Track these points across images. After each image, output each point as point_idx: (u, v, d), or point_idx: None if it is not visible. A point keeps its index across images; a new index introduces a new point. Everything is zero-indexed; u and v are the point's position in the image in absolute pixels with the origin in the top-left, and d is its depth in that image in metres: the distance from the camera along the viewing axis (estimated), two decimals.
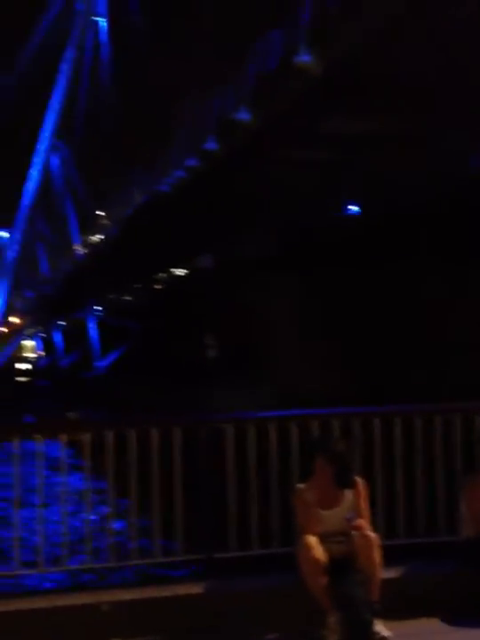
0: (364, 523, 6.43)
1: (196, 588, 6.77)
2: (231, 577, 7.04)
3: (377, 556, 6.35)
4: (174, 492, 7.12)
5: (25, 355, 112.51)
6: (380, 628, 6.23)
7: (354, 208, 48.58)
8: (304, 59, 31.82)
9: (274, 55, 34.91)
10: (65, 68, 78.04)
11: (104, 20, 77.10)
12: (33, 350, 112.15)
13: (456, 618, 6.66)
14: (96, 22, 77.29)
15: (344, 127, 34.54)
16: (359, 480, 6.61)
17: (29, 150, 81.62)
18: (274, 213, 47.29)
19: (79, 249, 79.09)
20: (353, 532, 6.40)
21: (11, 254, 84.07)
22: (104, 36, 76.52)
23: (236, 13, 44.48)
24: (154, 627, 6.52)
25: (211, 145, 42.64)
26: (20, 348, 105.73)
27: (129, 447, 7.09)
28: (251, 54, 37.46)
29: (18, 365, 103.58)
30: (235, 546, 7.17)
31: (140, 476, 7.11)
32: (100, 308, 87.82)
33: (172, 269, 75.85)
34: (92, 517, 7.18)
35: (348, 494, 6.54)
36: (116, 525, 7.28)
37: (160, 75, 61.26)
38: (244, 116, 37.96)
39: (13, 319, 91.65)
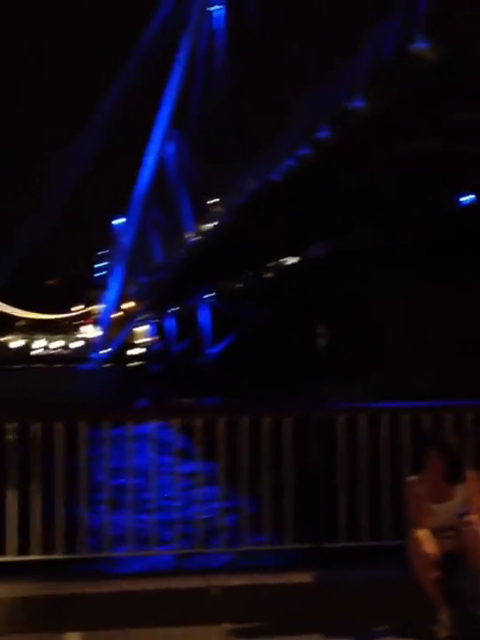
0: (475, 518, 6.30)
1: (304, 577, 6.76)
2: (340, 567, 7.02)
3: None
4: (285, 480, 7.12)
5: (138, 340, 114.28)
6: None
7: (469, 197, 47.70)
8: (420, 45, 31.36)
9: (389, 42, 34.49)
10: (181, 57, 78.62)
11: (220, 8, 77.34)
12: (145, 336, 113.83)
13: None
14: (212, 11, 77.60)
15: (459, 115, 33.93)
16: (473, 475, 6.49)
17: (145, 138, 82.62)
18: (387, 203, 46.77)
19: (192, 236, 79.73)
20: (463, 528, 6.29)
21: (126, 241, 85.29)
22: (219, 25, 76.75)
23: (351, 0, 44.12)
24: (261, 613, 6.54)
25: (323, 133, 42.41)
26: (133, 334, 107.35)
27: (240, 434, 7.11)
28: (366, 42, 37.08)
29: (131, 350, 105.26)
30: (344, 536, 7.14)
31: (251, 463, 7.13)
32: (212, 296, 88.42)
33: (284, 258, 75.79)
34: (203, 502, 7.23)
35: (460, 489, 6.43)
36: (225, 511, 7.31)
37: (274, 63, 61.22)
38: (357, 104, 37.63)
39: (127, 305, 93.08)
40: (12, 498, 6.66)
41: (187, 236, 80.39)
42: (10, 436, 6.72)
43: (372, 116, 36.89)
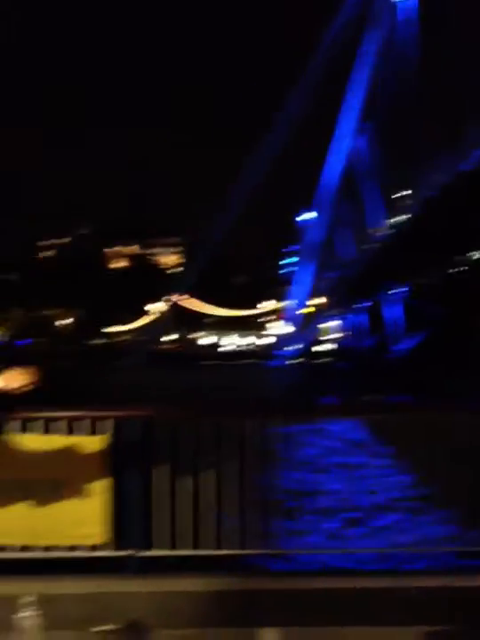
0: None
1: None
2: None
3: None
4: None
5: (326, 336, 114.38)
6: None
7: None
8: None
9: None
10: (369, 50, 78.11)
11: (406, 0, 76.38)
12: (335, 331, 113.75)
13: None
14: (398, 3, 76.71)
15: None
16: None
17: (331, 132, 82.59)
18: None
19: (382, 231, 79.07)
20: None
21: (315, 237, 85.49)
22: (406, 17, 75.73)
23: None
24: (458, 616, 6.37)
25: None
26: (322, 330, 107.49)
27: (433, 431, 6.95)
28: None
29: (319, 347, 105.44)
30: None
31: (446, 461, 6.96)
32: (402, 290, 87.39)
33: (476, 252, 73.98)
34: (396, 500, 7.13)
35: None
36: (420, 510, 7.17)
37: (464, 53, 59.89)
38: None
39: (317, 300, 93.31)
40: (206, 493, 6.74)
41: (376, 230, 79.77)
42: (204, 433, 6.81)
43: None
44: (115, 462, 6.51)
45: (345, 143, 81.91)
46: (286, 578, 6.72)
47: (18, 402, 5.50)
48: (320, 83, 78.77)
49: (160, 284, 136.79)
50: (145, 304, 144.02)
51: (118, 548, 6.64)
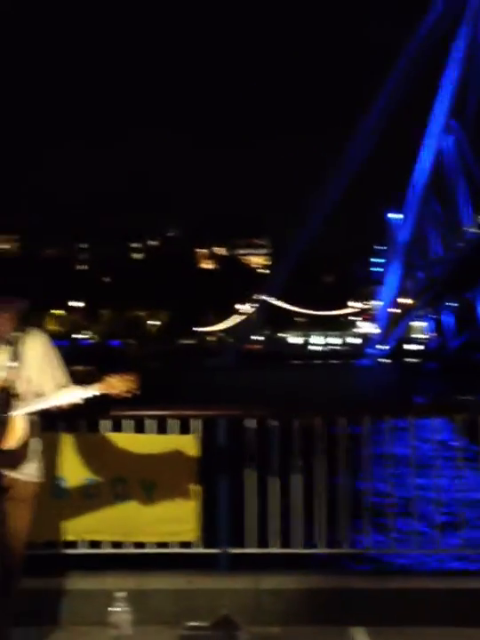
0: None
1: None
2: None
3: None
4: None
5: (415, 336, 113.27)
6: None
7: None
8: None
9: None
10: (459, 46, 77.10)
11: None
12: (423, 332, 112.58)
13: None
14: None
15: None
16: None
17: (422, 131, 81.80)
18: None
19: (471, 229, 78.01)
20: None
21: (403, 236, 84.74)
22: None
23: None
24: None
25: None
26: (411, 330, 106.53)
27: None
28: None
29: (408, 346, 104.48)
30: None
31: None
32: None
33: None
34: None
35: None
36: None
37: None
38: None
39: (404, 300, 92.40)
40: (296, 493, 6.77)
41: (466, 229, 78.73)
42: (293, 432, 6.83)
43: None
44: (205, 461, 6.58)
45: (435, 141, 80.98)
46: (375, 577, 6.70)
47: (112, 402, 5.60)
48: (410, 81, 78.10)
49: (248, 284, 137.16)
50: (233, 304, 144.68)
51: (209, 545, 6.71)
